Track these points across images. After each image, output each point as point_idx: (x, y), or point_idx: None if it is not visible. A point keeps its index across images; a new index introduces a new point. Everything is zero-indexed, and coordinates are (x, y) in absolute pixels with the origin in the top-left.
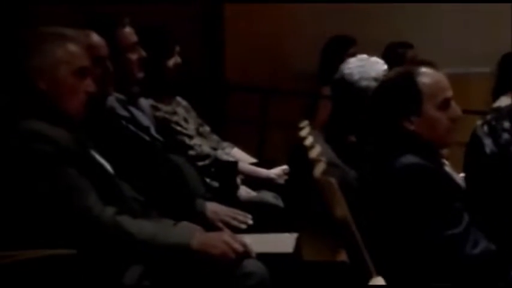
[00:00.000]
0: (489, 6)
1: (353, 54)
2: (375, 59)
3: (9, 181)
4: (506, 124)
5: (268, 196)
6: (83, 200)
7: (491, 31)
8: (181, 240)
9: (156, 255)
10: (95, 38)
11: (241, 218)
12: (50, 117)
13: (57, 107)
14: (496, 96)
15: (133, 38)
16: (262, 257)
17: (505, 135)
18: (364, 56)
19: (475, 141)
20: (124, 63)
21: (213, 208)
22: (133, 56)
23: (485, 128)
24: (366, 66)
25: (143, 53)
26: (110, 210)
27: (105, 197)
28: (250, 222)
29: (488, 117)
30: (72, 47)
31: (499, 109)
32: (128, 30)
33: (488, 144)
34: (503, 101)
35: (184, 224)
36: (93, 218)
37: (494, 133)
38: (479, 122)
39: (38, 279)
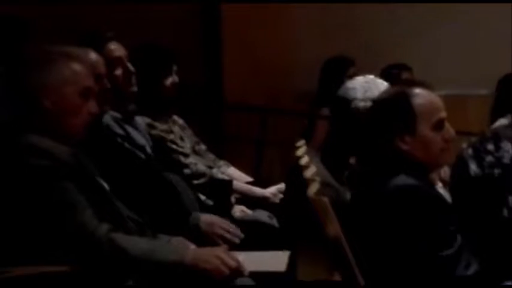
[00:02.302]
0: (488, 28)
1: (352, 76)
2: (380, 80)
3: (6, 195)
4: (490, 146)
5: (263, 215)
6: (78, 215)
7: (490, 53)
8: (175, 257)
9: (150, 272)
10: (93, 55)
11: (234, 230)
12: (52, 135)
13: (59, 126)
14: (494, 118)
15: (118, 52)
16: (255, 275)
17: (489, 158)
18: (371, 76)
19: (460, 164)
20: (111, 79)
21: (207, 219)
22: (118, 72)
23: (470, 150)
24: (371, 85)
25: (131, 68)
26: (104, 227)
27: (101, 214)
28: (242, 235)
29: (473, 139)
30: (78, 67)
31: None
32: (112, 45)
33: (473, 166)
34: (501, 123)
35: (179, 240)
36: (87, 233)
37: (478, 155)
38: (464, 145)
39: None
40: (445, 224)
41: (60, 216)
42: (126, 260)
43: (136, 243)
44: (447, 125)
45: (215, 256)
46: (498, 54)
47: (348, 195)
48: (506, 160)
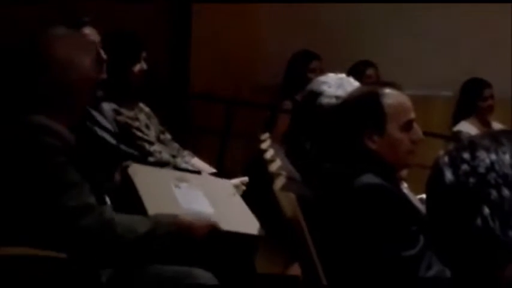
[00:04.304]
0: (454, 29)
1: (315, 69)
2: (352, 79)
3: (13, 173)
4: (466, 155)
5: None
6: (84, 196)
7: (455, 54)
8: (173, 227)
9: (155, 246)
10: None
11: None
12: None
13: (79, 105)
14: (456, 120)
15: (92, 37)
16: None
17: (464, 166)
18: (343, 74)
19: (436, 171)
20: None
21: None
22: None
23: (446, 158)
24: (344, 82)
25: (103, 55)
26: (109, 209)
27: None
28: None
29: (450, 147)
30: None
31: (458, 133)
32: (87, 30)
33: (448, 174)
34: (463, 126)
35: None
36: (95, 214)
37: (454, 164)
38: (441, 152)
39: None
40: (409, 225)
41: (68, 195)
42: (135, 239)
43: (139, 221)
44: (416, 126)
45: (205, 226)
46: (462, 56)
47: (310, 191)
48: (481, 169)
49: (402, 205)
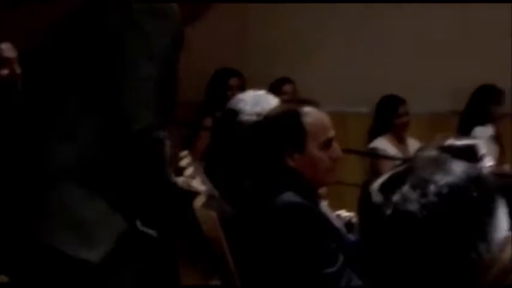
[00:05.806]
0: (371, 46)
1: (233, 86)
2: (271, 96)
3: None
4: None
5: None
6: None
7: (371, 71)
8: None
9: None
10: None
11: None
12: None
13: None
14: (372, 137)
15: (7, 53)
16: None
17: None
18: (262, 91)
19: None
20: None
21: None
22: (4, 72)
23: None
24: (262, 99)
25: (17, 70)
26: None
27: None
28: None
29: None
30: None
31: (374, 150)
32: (2, 46)
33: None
34: (379, 142)
35: None
36: None
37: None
38: (376, 181)
39: None
40: (328, 243)
41: None
42: None
43: None
44: (335, 144)
45: None
46: (379, 74)
47: (229, 209)
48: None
49: (322, 223)
